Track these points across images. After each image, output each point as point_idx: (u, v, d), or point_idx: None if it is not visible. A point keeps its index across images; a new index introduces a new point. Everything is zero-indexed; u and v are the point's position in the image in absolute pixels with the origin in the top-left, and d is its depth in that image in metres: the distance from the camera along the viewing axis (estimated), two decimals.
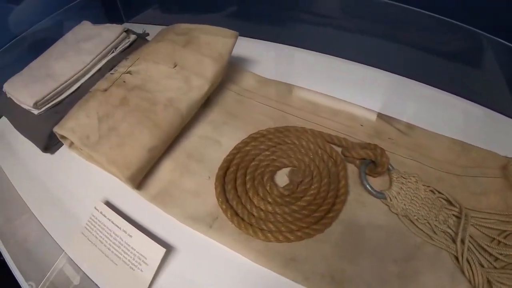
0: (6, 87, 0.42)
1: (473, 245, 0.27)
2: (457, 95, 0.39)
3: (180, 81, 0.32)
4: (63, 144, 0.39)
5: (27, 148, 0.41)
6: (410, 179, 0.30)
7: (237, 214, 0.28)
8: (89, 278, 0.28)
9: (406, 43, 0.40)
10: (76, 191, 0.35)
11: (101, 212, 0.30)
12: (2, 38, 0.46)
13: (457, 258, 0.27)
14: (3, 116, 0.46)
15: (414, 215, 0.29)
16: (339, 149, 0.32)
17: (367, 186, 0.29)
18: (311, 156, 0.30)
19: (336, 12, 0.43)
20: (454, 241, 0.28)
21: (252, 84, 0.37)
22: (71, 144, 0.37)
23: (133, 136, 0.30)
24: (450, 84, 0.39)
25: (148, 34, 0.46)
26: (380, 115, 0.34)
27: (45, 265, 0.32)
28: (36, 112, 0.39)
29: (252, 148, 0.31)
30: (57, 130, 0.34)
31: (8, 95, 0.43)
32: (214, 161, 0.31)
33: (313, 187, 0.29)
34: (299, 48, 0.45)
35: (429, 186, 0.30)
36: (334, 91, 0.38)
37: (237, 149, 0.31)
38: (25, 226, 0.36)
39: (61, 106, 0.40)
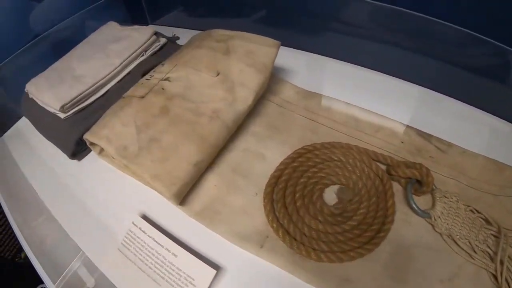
0: (29, 87, 0.38)
1: (511, 264, 0.27)
2: (484, 110, 0.38)
3: (224, 92, 0.30)
4: (91, 150, 0.36)
5: (49, 151, 0.38)
6: (452, 198, 0.30)
7: (288, 233, 0.26)
8: None
9: (436, 57, 0.39)
10: (107, 202, 0.32)
11: (140, 228, 0.28)
12: (23, 37, 0.41)
13: (495, 277, 0.27)
14: (23, 117, 0.43)
15: (457, 235, 0.28)
16: (383, 167, 0.31)
17: (414, 205, 0.28)
18: (358, 174, 0.29)
19: (367, 23, 0.41)
20: (493, 261, 0.28)
21: (292, 96, 0.35)
22: (101, 151, 0.34)
23: (178, 149, 0.27)
24: (478, 99, 0.38)
25: (178, 38, 0.43)
26: (419, 132, 0.33)
27: (62, 268, 0.30)
28: (62, 116, 0.35)
29: (300, 164, 0.29)
30: (90, 138, 0.31)
31: (30, 96, 0.38)
32: (260, 177, 0.29)
33: (362, 206, 0.28)
34: (330, 58, 0.44)
35: (469, 206, 0.30)
36: (367, 104, 0.36)
37: (284, 165, 0.29)
38: (46, 229, 0.33)
39: (89, 111, 0.37)
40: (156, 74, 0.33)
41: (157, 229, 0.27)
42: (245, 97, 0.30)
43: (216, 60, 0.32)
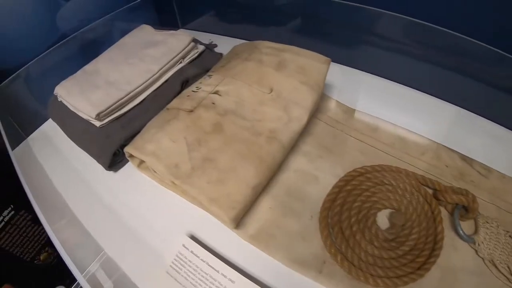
0: (59, 90, 0.35)
1: None
2: None
3: (279, 110, 0.28)
4: (127, 161, 0.34)
5: (78, 156, 0.35)
6: (493, 224, 0.30)
7: (346, 259, 0.25)
8: None
9: (472, 77, 0.39)
10: (148, 218, 0.30)
11: (192, 252, 0.26)
12: (50, 37, 0.38)
13: None
14: (49, 119, 0.39)
15: (497, 259, 0.29)
16: (429, 191, 0.31)
17: (461, 231, 0.29)
18: (408, 198, 0.29)
19: (408, 40, 0.41)
20: None
21: (339, 114, 0.34)
22: (140, 164, 0.32)
23: (236, 171, 0.25)
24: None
25: (216, 46, 0.40)
26: (462, 156, 0.33)
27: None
28: (97, 124, 0.33)
29: (353, 187, 0.28)
30: (135, 153, 0.28)
31: (60, 99, 0.35)
32: (314, 199, 0.28)
33: (414, 231, 0.28)
34: (368, 73, 0.42)
35: (508, 232, 0.30)
36: (408, 123, 0.35)
37: (339, 188, 0.28)
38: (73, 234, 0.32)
39: (125, 119, 0.34)
40: (204, 87, 0.30)
41: (209, 252, 0.26)
42: (299, 117, 0.29)
43: (268, 75, 0.30)
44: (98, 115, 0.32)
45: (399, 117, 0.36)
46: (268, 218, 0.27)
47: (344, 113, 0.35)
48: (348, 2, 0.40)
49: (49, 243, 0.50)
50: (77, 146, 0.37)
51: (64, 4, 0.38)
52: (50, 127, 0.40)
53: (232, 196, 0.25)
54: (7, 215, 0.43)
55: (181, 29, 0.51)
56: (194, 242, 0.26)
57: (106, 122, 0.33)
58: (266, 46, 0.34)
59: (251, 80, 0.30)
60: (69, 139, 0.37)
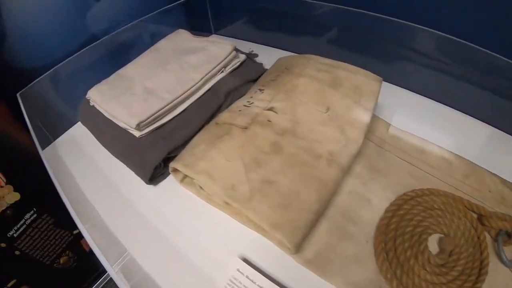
0: (92, 95, 0.32)
1: None
2: None
3: (337, 131, 0.27)
4: (168, 174, 0.32)
5: (110, 164, 0.33)
6: None
7: (401, 284, 0.26)
8: None
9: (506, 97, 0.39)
10: (192, 237, 0.28)
11: (247, 277, 0.25)
12: (80, 38, 0.34)
13: None
14: (79, 123, 0.37)
15: None
16: (474, 216, 0.31)
17: (504, 257, 0.29)
18: (457, 223, 0.29)
19: (451, 60, 0.40)
20: None
21: (385, 134, 0.33)
22: (184, 178, 0.30)
23: (299, 195, 0.25)
24: None
25: (257, 55, 0.38)
26: (503, 181, 0.34)
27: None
28: (137, 134, 0.31)
29: (405, 212, 0.28)
30: (185, 170, 0.27)
31: (92, 103, 0.33)
32: (367, 223, 0.28)
33: (462, 256, 0.28)
34: (404, 89, 0.42)
35: None
36: (447, 144, 0.35)
37: (392, 212, 0.28)
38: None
39: (165, 130, 0.32)
40: (257, 102, 0.29)
41: (265, 277, 0.25)
42: (356, 139, 0.28)
43: (324, 93, 0.29)
44: (138, 125, 0.30)
45: (439, 136, 0.36)
46: (325, 242, 0.26)
47: (389, 133, 0.34)
48: (391, 18, 0.39)
49: (69, 247, 0.49)
50: (108, 153, 0.35)
51: (94, 5, 0.35)
52: (79, 131, 0.38)
53: (295, 222, 0.24)
54: (29, 218, 0.42)
55: (214, 35, 0.49)
56: (250, 267, 0.25)
57: (146, 133, 0.31)
58: (318, 62, 0.32)
59: (306, 98, 0.29)
60: (100, 145, 0.35)
